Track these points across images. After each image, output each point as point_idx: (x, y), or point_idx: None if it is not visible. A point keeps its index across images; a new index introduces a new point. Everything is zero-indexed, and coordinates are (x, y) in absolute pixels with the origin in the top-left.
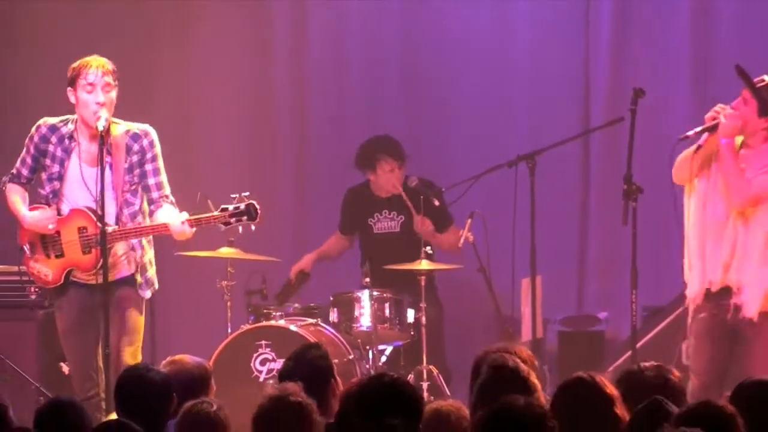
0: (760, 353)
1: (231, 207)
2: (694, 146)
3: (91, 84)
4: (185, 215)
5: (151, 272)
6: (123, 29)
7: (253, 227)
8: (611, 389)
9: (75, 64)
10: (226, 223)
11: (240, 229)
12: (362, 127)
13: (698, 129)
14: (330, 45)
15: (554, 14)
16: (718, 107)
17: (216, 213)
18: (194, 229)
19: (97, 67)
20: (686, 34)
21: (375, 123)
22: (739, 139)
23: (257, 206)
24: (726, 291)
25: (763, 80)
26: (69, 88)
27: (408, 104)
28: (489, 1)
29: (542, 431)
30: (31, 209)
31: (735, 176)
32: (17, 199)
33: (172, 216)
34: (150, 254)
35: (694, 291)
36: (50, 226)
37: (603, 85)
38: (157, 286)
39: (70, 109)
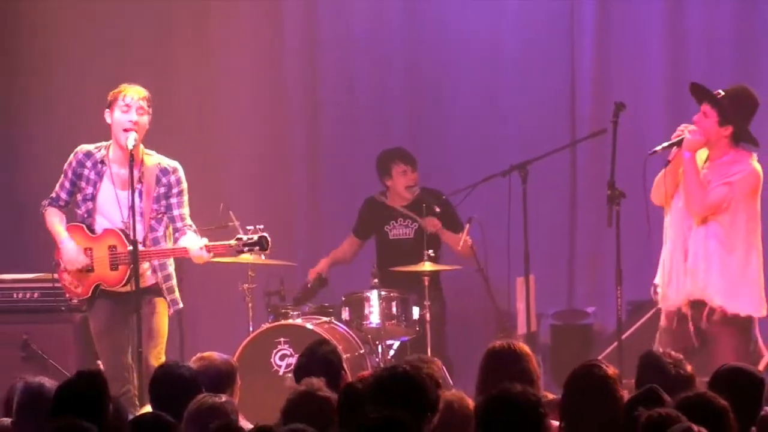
0: (722, 350)
1: (245, 237)
2: (671, 164)
3: (127, 105)
4: (205, 241)
5: (176, 294)
6: (143, 30)
7: (263, 257)
8: (617, 380)
9: (115, 90)
10: (240, 252)
11: (252, 255)
12: (371, 134)
13: (665, 144)
14: (339, 50)
15: (541, 34)
16: (682, 126)
17: (232, 242)
18: (211, 254)
19: (134, 92)
20: (660, 50)
21: (382, 128)
22: (704, 154)
23: (269, 239)
24: (700, 303)
25: (719, 93)
26: (107, 110)
27: (411, 114)
28: (481, 27)
29: (536, 416)
30: (68, 227)
31: (695, 187)
32: (56, 221)
33: (192, 241)
34: (175, 279)
35: (679, 298)
36: (79, 266)
37: (587, 99)
38: (181, 305)
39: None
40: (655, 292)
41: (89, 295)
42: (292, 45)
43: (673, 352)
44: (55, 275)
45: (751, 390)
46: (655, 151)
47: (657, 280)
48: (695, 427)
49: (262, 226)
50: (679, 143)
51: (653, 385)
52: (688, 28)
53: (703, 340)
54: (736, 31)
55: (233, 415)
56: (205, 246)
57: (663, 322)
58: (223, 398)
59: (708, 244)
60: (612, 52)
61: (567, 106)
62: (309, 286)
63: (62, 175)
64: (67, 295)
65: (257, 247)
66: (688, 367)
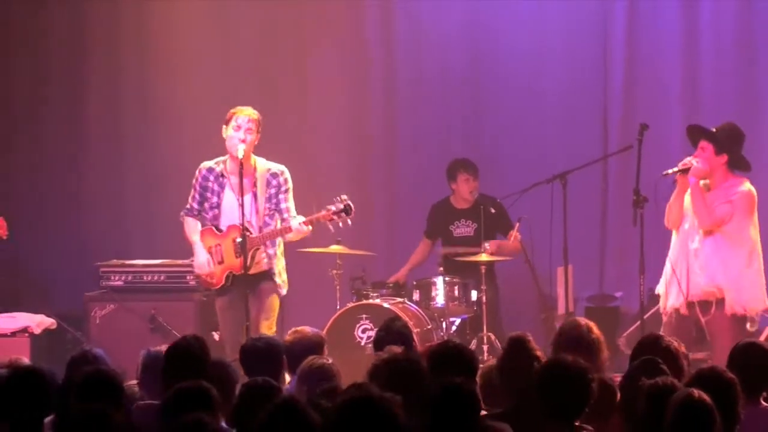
0: (721, 343)
1: (333, 207)
2: (677, 189)
3: (238, 125)
4: (302, 218)
5: (284, 277)
6: (252, 34)
7: (349, 222)
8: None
9: (232, 110)
10: (331, 220)
11: (340, 224)
12: (436, 145)
13: (675, 169)
14: (413, 72)
15: (579, 66)
16: (688, 158)
17: (323, 213)
18: (310, 227)
19: (246, 114)
20: (678, 78)
21: (446, 140)
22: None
23: (352, 205)
24: (706, 303)
25: (713, 130)
26: (224, 126)
27: (471, 131)
28: (528, 58)
29: (585, 381)
30: (201, 231)
31: (702, 205)
32: (192, 230)
33: (293, 221)
34: (283, 263)
35: (678, 302)
36: (204, 273)
37: (617, 120)
38: (286, 287)
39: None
40: (657, 295)
41: (223, 282)
42: (376, 74)
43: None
44: (192, 263)
45: (762, 361)
46: (667, 174)
47: (659, 288)
48: (696, 392)
49: (345, 196)
50: (686, 171)
51: (653, 357)
52: (701, 60)
53: (701, 334)
54: (747, 62)
55: (337, 376)
56: (303, 222)
57: (665, 320)
58: (330, 360)
59: (715, 252)
60: (638, 80)
61: (600, 125)
62: (390, 286)
63: (192, 189)
64: (206, 287)
65: (343, 213)
66: (682, 347)
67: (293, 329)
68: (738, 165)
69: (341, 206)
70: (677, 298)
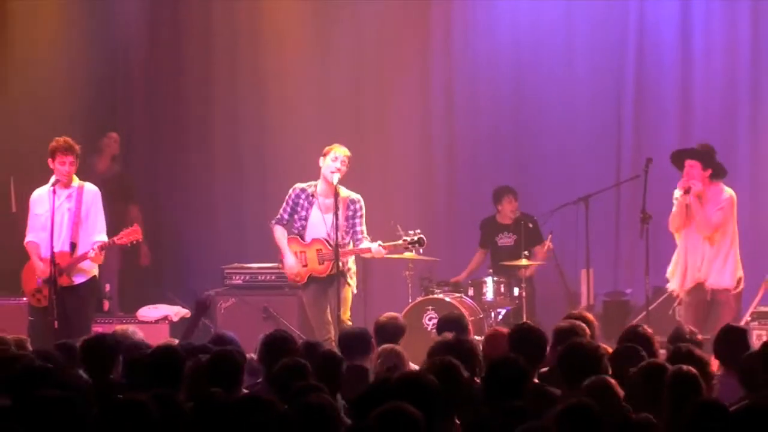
0: (724, 311)
1: (408, 239)
2: (678, 206)
3: (335, 157)
4: (380, 242)
5: (354, 279)
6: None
7: (421, 251)
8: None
9: (330, 146)
10: (406, 248)
11: (413, 252)
12: (486, 168)
13: (681, 192)
14: (470, 115)
15: (592, 110)
16: (688, 181)
17: (399, 242)
18: (386, 251)
19: (342, 152)
20: (676, 118)
21: (494, 166)
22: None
23: (424, 239)
24: (701, 285)
25: (693, 148)
26: (321, 157)
27: (515, 160)
28: (557, 101)
29: (599, 358)
30: (288, 239)
31: (702, 218)
32: (281, 236)
33: (372, 244)
34: (354, 269)
35: (685, 285)
36: (293, 274)
37: (629, 153)
38: (356, 286)
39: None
40: (667, 281)
41: (305, 281)
42: (438, 114)
43: (690, 326)
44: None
45: (736, 337)
46: (677, 199)
47: (669, 275)
48: (684, 367)
49: (419, 230)
50: (688, 190)
51: (632, 344)
52: (695, 111)
53: (710, 309)
54: (731, 102)
55: (405, 357)
56: (381, 246)
57: (686, 299)
58: (399, 348)
59: (712, 248)
60: (643, 125)
61: (615, 159)
62: (450, 284)
63: (284, 203)
64: (292, 282)
65: (417, 245)
66: (698, 335)
67: (388, 313)
68: (718, 175)
69: (415, 239)
70: (689, 282)
